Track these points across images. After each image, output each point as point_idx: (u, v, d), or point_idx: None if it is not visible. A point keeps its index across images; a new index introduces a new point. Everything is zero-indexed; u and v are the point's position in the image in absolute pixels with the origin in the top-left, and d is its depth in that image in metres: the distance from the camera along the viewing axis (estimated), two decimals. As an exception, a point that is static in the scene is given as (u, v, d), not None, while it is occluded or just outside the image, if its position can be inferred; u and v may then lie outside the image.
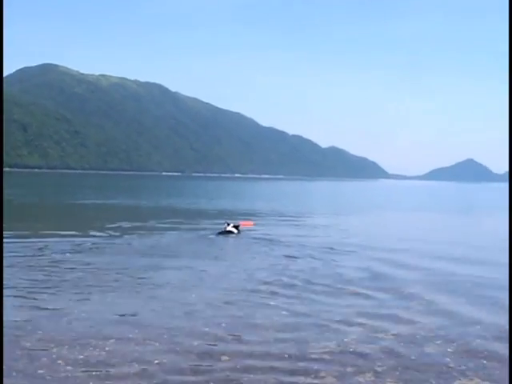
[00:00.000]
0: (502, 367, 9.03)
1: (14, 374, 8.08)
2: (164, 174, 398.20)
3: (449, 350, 9.88)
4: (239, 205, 53.66)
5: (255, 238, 25.78)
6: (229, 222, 28.16)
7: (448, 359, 9.39)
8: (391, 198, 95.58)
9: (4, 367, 7.79)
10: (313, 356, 9.37)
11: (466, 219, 49.83)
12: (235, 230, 27.33)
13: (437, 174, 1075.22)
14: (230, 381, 8.27)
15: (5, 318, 9.57)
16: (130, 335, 10.18)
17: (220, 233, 26.90)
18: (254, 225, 29.96)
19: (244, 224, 29.08)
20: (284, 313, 12.11)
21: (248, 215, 37.79)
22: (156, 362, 8.90)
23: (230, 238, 25.91)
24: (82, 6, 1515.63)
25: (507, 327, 10.90)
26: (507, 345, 9.78)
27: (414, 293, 14.46)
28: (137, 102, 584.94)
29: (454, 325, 11.53)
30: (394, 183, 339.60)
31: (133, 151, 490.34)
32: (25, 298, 12.80)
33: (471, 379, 8.56)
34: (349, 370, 8.80)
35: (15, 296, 12.71)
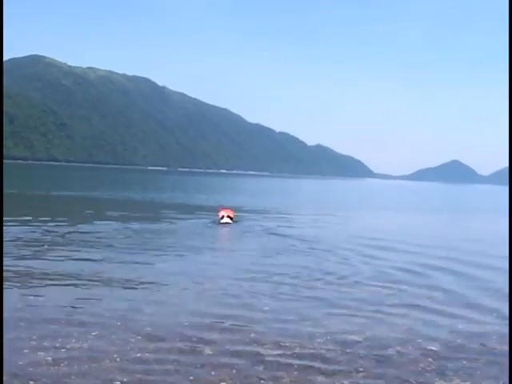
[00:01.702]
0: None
1: (-5, 365, 8.03)
2: (149, 168, 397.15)
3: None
4: (224, 200, 53.56)
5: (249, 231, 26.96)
6: (222, 211, 30.22)
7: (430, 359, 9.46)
8: (377, 198, 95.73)
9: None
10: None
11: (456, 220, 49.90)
12: (230, 221, 29.02)
13: (422, 175, 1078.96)
14: (209, 374, 8.29)
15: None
16: (113, 328, 10.14)
17: (220, 223, 28.69)
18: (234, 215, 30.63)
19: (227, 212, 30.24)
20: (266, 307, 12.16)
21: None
22: (138, 355, 8.89)
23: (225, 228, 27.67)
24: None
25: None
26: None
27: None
28: (124, 96, 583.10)
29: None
30: (380, 182, 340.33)
31: (119, 145, 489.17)
32: (5, 287, 12.72)
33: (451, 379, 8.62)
34: (328, 368, 8.84)
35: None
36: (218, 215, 30.13)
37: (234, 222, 29.55)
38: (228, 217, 29.15)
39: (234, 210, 32.27)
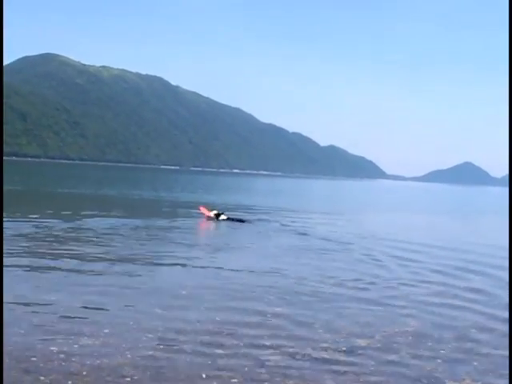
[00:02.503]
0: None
1: (7, 360, 8.07)
2: (162, 167, 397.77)
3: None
4: (237, 200, 53.53)
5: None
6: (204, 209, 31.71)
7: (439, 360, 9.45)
8: (395, 199, 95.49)
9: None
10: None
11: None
12: (224, 217, 30.48)
13: (435, 176, 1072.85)
14: (221, 373, 8.29)
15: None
16: (125, 326, 10.19)
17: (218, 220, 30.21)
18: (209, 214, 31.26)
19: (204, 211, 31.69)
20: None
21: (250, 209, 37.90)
22: (149, 353, 8.92)
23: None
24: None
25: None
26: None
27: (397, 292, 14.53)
28: (137, 95, 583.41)
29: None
30: (393, 184, 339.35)
31: (131, 143, 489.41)
32: (20, 284, 12.80)
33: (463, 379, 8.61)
34: (333, 367, 8.85)
35: (10, 281, 12.68)
36: (202, 213, 31.53)
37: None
38: (218, 214, 30.64)
39: (215, 208, 32.57)
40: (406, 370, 8.82)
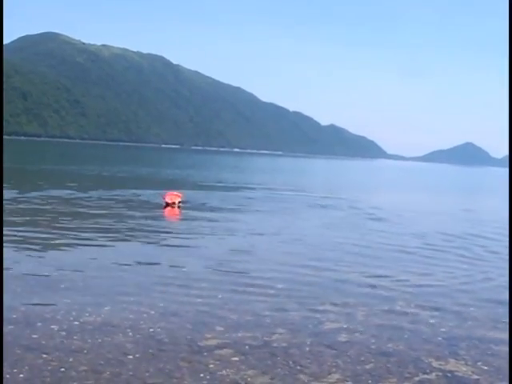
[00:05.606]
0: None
1: (9, 338, 8.07)
2: (163, 146, 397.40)
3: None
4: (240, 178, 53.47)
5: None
6: (169, 196, 26.65)
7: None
8: (407, 179, 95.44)
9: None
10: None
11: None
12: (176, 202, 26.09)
13: (435, 156, 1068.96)
14: (221, 350, 8.30)
15: None
16: (125, 304, 10.19)
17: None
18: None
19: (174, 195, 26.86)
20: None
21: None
22: (151, 330, 8.93)
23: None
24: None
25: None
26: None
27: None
28: (138, 74, 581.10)
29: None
30: (395, 164, 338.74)
31: (132, 122, 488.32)
32: (20, 263, 12.84)
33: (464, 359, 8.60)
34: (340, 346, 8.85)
35: (11, 260, 12.69)
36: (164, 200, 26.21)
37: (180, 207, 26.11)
38: (179, 202, 26.05)
39: (182, 193, 28.12)
40: (407, 348, 8.82)
